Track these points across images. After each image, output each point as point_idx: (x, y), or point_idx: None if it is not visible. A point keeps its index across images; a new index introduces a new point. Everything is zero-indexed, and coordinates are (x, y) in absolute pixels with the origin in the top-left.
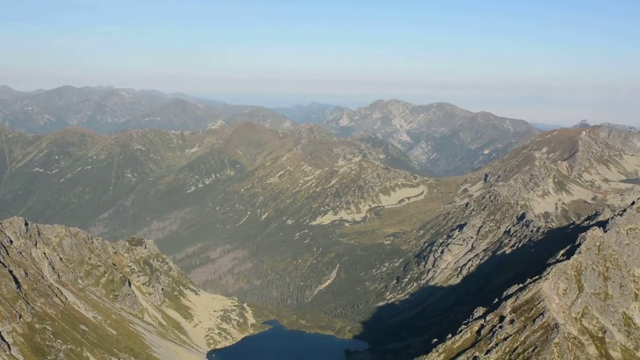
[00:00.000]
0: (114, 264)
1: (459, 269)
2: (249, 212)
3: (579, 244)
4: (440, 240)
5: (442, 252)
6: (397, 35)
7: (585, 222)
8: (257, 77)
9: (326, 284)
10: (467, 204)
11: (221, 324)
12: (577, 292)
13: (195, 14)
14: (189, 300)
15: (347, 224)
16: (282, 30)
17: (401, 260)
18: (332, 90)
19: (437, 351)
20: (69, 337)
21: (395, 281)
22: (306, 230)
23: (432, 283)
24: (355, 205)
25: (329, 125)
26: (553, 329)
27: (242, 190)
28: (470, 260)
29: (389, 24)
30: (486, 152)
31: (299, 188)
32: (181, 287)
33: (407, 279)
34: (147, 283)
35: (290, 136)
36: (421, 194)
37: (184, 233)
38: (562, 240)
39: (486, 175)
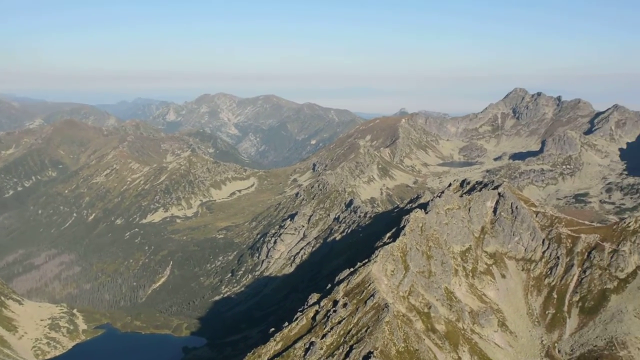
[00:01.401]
0: None
1: (292, 257)
2: (74, 214)
3: (404, 227)
4: (273, 231)
5: (275, 242)
6: (219, 28)
7: (408, 205)
8: (76, 73)
9: (160, 282)
10: (297, 194)
11: (49, 333)
12: (404, 272)
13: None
14: (12, 311)
15: (178, 220)
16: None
17: (235, 253)
18: (157, 85)
19: (274, 340)
20: None
21: (230, 274)
22: (137, 229)
23: (267, 273)
24: (186, 200)
25: (156, 121)
26: (383, 309)
27: (66, 191)
28: (302, 248)
29: (205, 18)
30: (313, 142)
31: (127, 186)
32: (2, 298)
33: (242, 272)
34: None
35: (115, 133)
36: (252, 186)
37: (3, 240)
38: (388, 223)
39: (314, 165)
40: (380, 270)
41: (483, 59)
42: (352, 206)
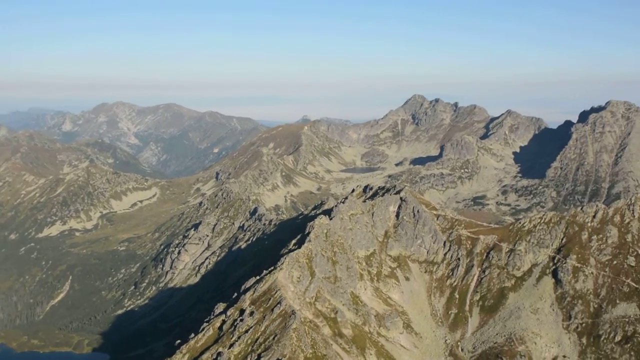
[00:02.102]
0: None
1: (197, 268)
2: None
3: (308, 233)
4: (177, 242)
5: (179, 252)
6: (117, 36)
7: (313, 212)
8: None
9: (59, 298)
10: (200, 203)
11: None
12: (310, 278)
13: None
14: None
15: (77, 234)
16: None
17: (138, 265)
18: (52, 94)
19: (181, 352)
20: None
21: (133, 287)
22: (33, 244)
23: (171, 285)
24: (85, 213)
25: (51, 131)
26: (290, 316)
27: None
28: (207, 258)
29: (103, 25)
30: (216, 150)
31: (21, 199)
32: None
33: (145, 284)
34: None
35: (7, 144)
36: (154, 196)
37: None
38: (293, 230)
39: (217, 174)
40: (287, 277)
41: (384, 66)
42: (257, 214)
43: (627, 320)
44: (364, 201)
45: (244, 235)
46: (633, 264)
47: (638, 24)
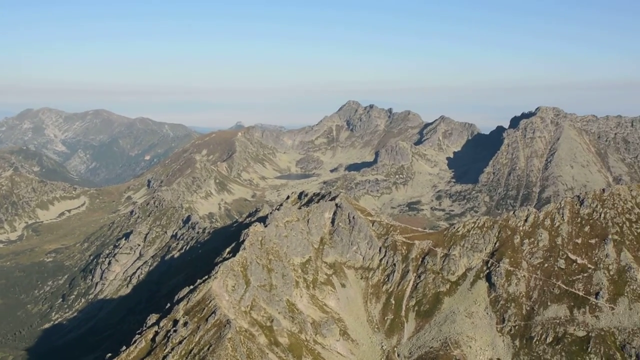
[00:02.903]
0: None
1: (129, 278)
2: None
3: (243, 241)
4: (107, 252)
5: (109, 263)
6: (43, 38)
7: (247, 219)
8: None
9: None
10: (132, 212)
11: None
12: (245, 287)
13: None
14: None
15: (1, 245)
16: None
17: (66, 276)
18: None
19: None
20: None
21: (61, 300)
22: None
23: (101, 296)
24: (9, 223)
25: None
26: (225, 325)
27: None
28: (139, 268)
29: (28, 26)
30: (147, 157)
31: None
32: None
33: (74, 296)
34: None
35: None
36: (83, 205)
37: None
38: (227, 238)
39: (149, 181)
40: (221, 286)
41: (320, 72)
42: (190, 222)
43: (557, 321)
44: (299, 208)
45: (177, 244)
46: (563, 266)
47: (569, 31)
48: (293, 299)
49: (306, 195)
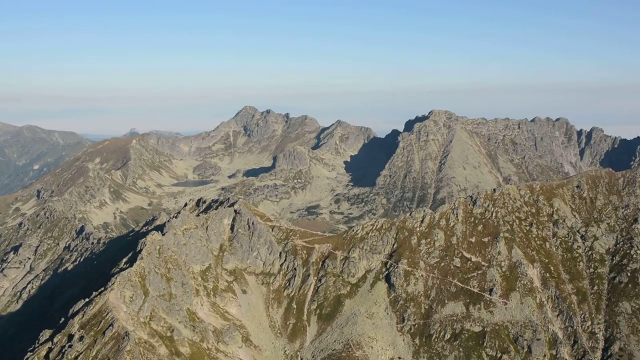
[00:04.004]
0: None
1: (19, 293)
2: None
3: (140, 250)
4: None
5: None
6: None
7: (144, 228)
8: None
9: None
10: (20, 224)
11: None
12: (144, 297)
13: None
14: None
15: None
16: None
17: None
18: None
19: None
20: None
21: None
22: None
23: None
24: None
25: None
26: (124, 338)
27: None
28: (30, 282)
29: None
30: (36, 167)
31: None
32: None
33: None
34: None
35: None
36: None
37: None
38: (123, 248)
39: (39, 192)
40: (118, 298)
41: (215, 78)
42: (84, 233)
43: (455, 318)
44: (198, 215)
45: (71, 256)
46: (458, 264)
47: (458, 36)
48: (194, 308)
49: (204, 202)
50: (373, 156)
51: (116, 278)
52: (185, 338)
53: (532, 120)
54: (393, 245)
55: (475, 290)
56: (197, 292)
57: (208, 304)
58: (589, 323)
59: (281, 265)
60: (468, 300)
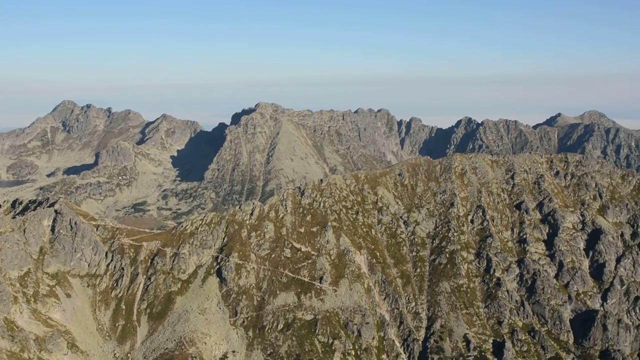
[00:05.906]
0: None
1: None
2: None
3: None
4: None
5: None
6: None
7: None
8: None
9: None
10: None
11: None
12: None
13: None
14: None
15: None
16: None
17: None
18: None
19: None
20: None
21: None
22: None
23: None
24: None
25: None
26: None
27: None
28: None
29: None
30: None
31: None
32: None
33: None
34: None
35: None
36: None
37: None
38: None
39: None
40: None
41: (23, 71)
42: None
43: (287, 308)
44: (13, 217)
45: None
46: (289, 255)
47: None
48: (12, 316)
49: (21, 203)
50: (200, 150)
51: None
52: (3, 349)
53: (356, 112)
54: (223, 239)
55: (306, 280)
56: (16, 299)
57: (28, 310)
58: (413, 304)
59: (107, 265)
60: (299, 290)
